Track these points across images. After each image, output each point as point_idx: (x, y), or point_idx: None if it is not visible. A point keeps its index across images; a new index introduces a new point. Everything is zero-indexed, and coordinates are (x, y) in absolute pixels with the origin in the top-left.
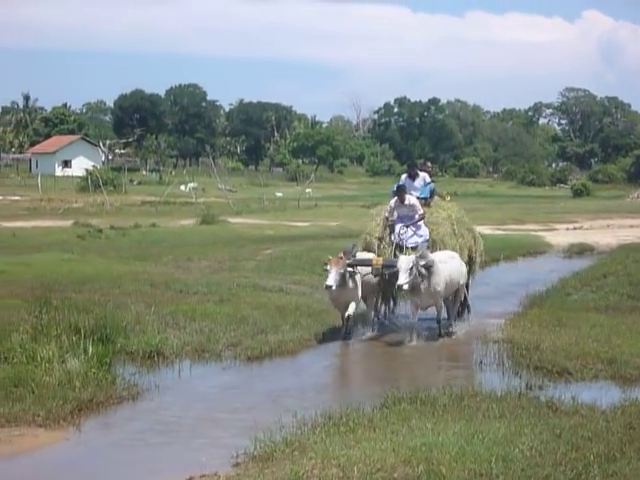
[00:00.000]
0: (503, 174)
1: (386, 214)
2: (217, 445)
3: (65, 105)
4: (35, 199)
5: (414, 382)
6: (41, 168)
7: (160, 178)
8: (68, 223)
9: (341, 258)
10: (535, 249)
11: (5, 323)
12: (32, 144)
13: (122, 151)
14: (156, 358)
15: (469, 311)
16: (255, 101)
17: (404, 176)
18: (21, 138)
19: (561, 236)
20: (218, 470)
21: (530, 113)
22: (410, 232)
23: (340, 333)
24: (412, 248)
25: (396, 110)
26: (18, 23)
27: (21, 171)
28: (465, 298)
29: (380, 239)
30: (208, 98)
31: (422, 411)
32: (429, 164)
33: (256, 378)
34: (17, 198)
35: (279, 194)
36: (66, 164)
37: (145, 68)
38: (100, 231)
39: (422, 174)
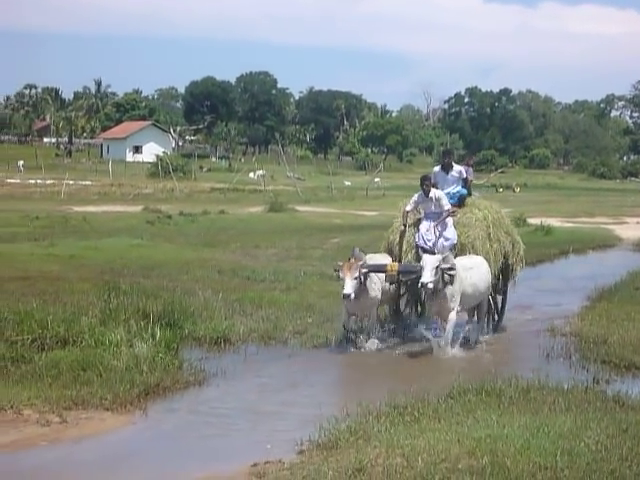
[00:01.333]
0: (574, 166)
1: (407, 207)
2: (281, 433)
3: (137, 91)
4: (106, 184)
5: (481, 374)
6: (112, 153)
7: (229, 165)
8: (138, 209)
9: (353, 263)
10: (605, 242)
11: (74, 307)
12: (103, 129)
13: (192, 138)
14: (223, 344)
15: (499, 321)
16: (325, 89)
17: (437, 167)
18: (93, 123)
19: (631, 230)
20: (282, 457)
21: (602, 105)
22: (435, 233)
23: (355, 342)
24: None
25: (467, 100)
26: (92, 10)
27: (92, 156)
28: (502, 307)
29: (401, 237)
30: (278, 86)
31: (487, 403)
32: (474, 158)
33: (322, 366)
34: (88, 183)
35: (347, 183)
36: (137, 150)
37: (217, 55)
38: (169, 217)
39: (458, 167)
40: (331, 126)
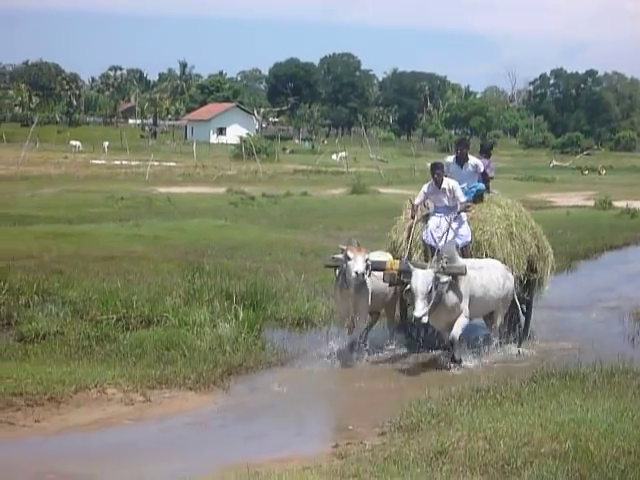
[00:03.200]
0: None
1: (416, 200)
2: (362, 414)
3: (221, 73)
4: (190, 166)
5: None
6: (196, 135)
7: (312, 147)
8: (221, 190)
9: (362, 247)
10: None
11: (159, 287)
12: (188, 111)
13: (275, 119)
14: (305, 325)
15: (524, 335)
16: (409, 71)
17: (451, 158)
18: (177, 105)
19: None
20: (364, 439)
21: None
22: (445, 228)
23: (347, 350)
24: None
25: (552, 82)
26: None
27: (177, 138)
28: (527, 320)
29: (409, 234)
30: (362, 67)
31: (571, 387)
32: (490, 147)
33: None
34: (172, 164)
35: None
36: (221, 131)
37: (301, 37)
38: (252, 199)
39: (475, 160)
40: (414, 108)
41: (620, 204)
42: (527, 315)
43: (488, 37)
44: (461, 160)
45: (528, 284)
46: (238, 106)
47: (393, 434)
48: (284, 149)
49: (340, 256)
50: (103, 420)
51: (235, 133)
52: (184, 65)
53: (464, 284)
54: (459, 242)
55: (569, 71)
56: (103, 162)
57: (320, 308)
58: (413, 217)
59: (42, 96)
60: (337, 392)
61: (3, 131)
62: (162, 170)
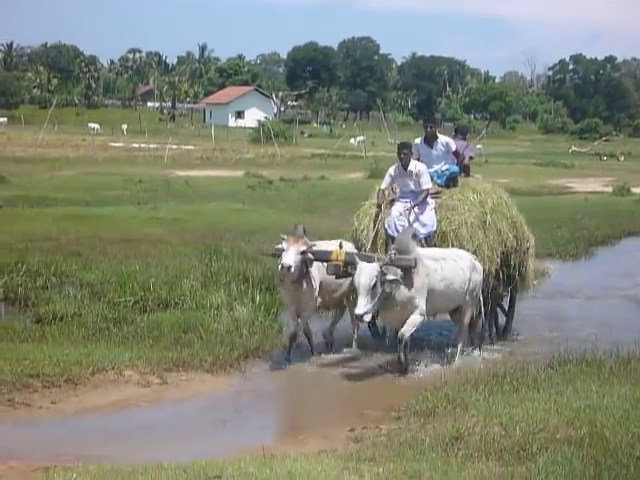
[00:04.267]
0: None
1: (382, 185)
2: (379, 399)
3: (240, 56)
4: (208, 149)
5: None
6: (214, 118)
7: (330, 131)
8: (239, 173)
9: (301, 238)
10: None
11: (176, 270)
12: (206, 94)
13: (294, 103)
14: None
15: (505, 333)
16: (428, 55)
17: (418, 139)
18: (196, 88)
19: None
20: (380, 423)
21: None
22: (410, 217)
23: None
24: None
25: (571, 67)
26: None
27: (195, 121)
28: (508, 318)
29: (375, 222)
30: (381, 52)
31: (587, 373)
32: (468, 127)
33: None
34: (191, 147)
35: None
36: (239, 115)
37: (319, 21)
38: (270, 182)
39: (445, 138)
40: (433, 92)
41: (639, 190)
42: (509, 314)
43: (507, 21)
44: (430, 140)
45: (509, 280)
46: (256, 89)
47: (409, 419)
48: (302, 133)
49: (281, 246)
50: (120, 402)
51: (253, 117)
52: (203, 48)
53: (421, 278)
54: (423, 232)
55: (588, 57)
56: (121, 145)
57: None
58: (379, 205)
59: (61, 78)
60: (353, 374)
61: (22, 113)
62: (180, 153)
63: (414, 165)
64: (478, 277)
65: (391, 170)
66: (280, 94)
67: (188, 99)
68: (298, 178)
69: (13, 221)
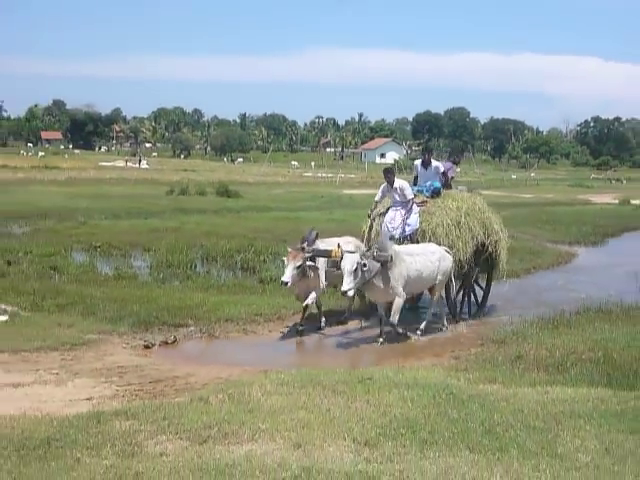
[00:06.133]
0: None
1: (376, 198)
2: (469, 332)
3: (383, 119)
4: (363, 176)
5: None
6: (367, 158)
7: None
8: None
9: (301, 250)
10: None
11: None
12: (362, 143)
13: (416, 148)
14: None
15: (480, 309)
16: (500, 117)
17: (418, 162)
18: (356, 139)
19: None
20: (470, 347)
21: None
22: (399, 220)
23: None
24: (400, 238)
25: (592, 124)
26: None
27: (355, 160)
28: (484, 297)
29: (370, 226)
30: (471, 115)
31: (602, 318)
32: (457, 156)
33: (523, 290)
34: (352, 176)
35: (514, 176)
36: (382, 155)
37: (433, 96)
38: None
39: (436, 163)
40: (504, 141)
41: (635, 202)
42: (485, 291)
43: (552, 95)
44: (426, 163)
45: (485, 265)
46: (393, 140)
47: (489, 345)
48: None
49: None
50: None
51: (391, 157)
52: (360, 115)
53: (399, 269)
54: (407, 229)
55: (603, 117)
56: (310, 174)
57: None
58: (370, 212)
59: (274, 134)
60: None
61: (251, 155)
62: (346, 179)
63: (398, 183)
64: (447, 264)
65: (382, 187)
66: (408, 143)
67: (351, 146)
68: None
69: (246, 220)
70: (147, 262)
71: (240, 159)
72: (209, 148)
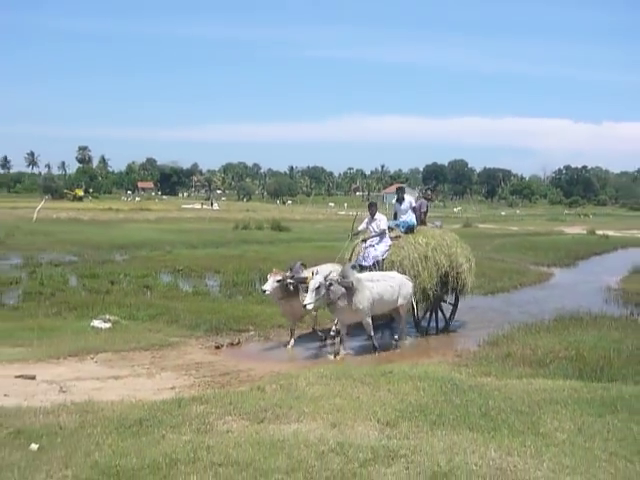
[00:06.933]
0: (620, 204)
1: (360, 227)
2: (470, 339)
3: (400, 169)
4: (384, 213)
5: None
6: (387, 199)
7: (444, 205)
8: None
9: (279, 271)
10: (639, 243)
11: None
12: (384, 187)
13: (429, 192)
14: None
15: (447, 323)
16: (492, 167)
17: (394, 200)
18: (379, 185)
19: None
20: (470, 348)
21: (636, 173)
22: (372, 248)
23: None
24: (367, 266)
25: (564, 172)
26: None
27: (379, 200)
28: (452, 313)
29: (352, 252)
30: (469, 166)
31: (574, 324)
32: (429, 193)
33: (511, 302)
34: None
35: (503, 213)
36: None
37: (436, 152)
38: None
39: (408, 198)
40: (495, 185)
41: (599, 232)
42: (453, 309)
43: (535, 150)
44: (400, 200)
45: (448, 289)
46: (408, 185)
47: (485, 346)
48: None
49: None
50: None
51: (408, 199)
52: (382, 166)
53: (362, 293)
54: (374, 255)
55: (573, 166)
56: (344, 213)
57: None
58: (350, 235)
59: (315, 182)
60: (468, 325)
61: (298, 199)
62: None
63: (378, 216)
64: (408, 290)
65: (366, 219)
66: (419, 187)
67: (375, 190)
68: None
69: (294, 249)
70: (217, 281)
71: (289, 201)
72: (265, 193)
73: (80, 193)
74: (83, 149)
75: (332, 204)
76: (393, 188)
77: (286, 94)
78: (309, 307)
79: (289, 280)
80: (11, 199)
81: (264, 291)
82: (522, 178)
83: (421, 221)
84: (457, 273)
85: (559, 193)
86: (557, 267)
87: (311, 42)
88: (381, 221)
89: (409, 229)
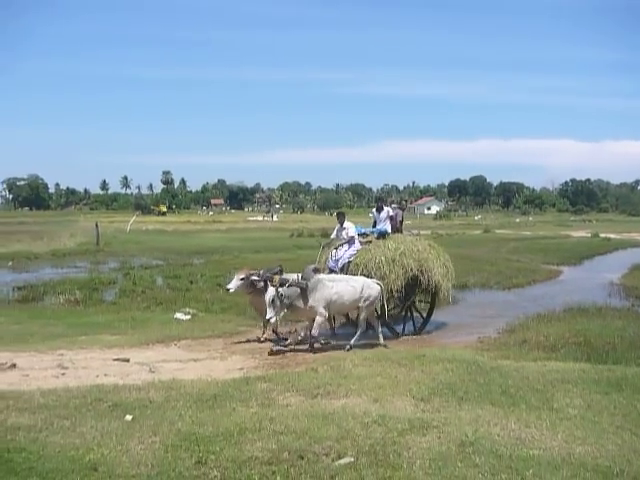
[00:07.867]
0: (620, 211)
1: (332, 235)
2: (490, 326)
3: (429, 185)
4: (415, 222)
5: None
6: (418, 210)
7: (466, 214)
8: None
9: (246, 270)
10: (638, 244)
11: None
12: (415, 200)
13: (451, 203)
14: None
15: (422, 325)
16: (507, 181)
17: (374, 209)
18: (411, 198)
19: None
20: (491, 335)
21: (634, 183)
22: (341, 252)
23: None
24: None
25: (570, 184)
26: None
27: (410, 212)
28: (428, 316)
29: (323, 256)
30: (487, 181)
31: (581, 314)
32: (404, 203)
33: (525, 296)
34: (408, 222)
35: (517, 220)
36: (428, 208)
37: (465, 168)
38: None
39: (386, 208)
40: (510, 197)
41: (602, 235)
42: (429, 312)
43: (545, 166)
44: (379, 210)
45: (430, 295)
46: (435, 198)
47: (504, 333)
48: (457, 216)
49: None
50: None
51: (435, 209)
52: (413, 182)
53: (320, 292)
54: (345, 257)
55: (578, 179)
56: None
57: None
58: (323, 245)
59: (357, 197)
60: (483, 314)
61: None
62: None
63: (346, 224)
64: (372, 292)
65: (336, 227)
66: (445, 199)
67: (411, 202)
68: (452, 233)
69: None
70: None
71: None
72: (316, 207)
73: (164, 209)
74: (166, 173)
75: (371, 214)
76: (423, 200)
77: (333, 124)
78: (272, 320)
79: (254, 278)
80: (109, 215)
81: (227, 289)
82: (533, 190)
83: (397, 229)
84: (427, 278)
85: (566, 202)
86: (565, 266)
87: (352, 81)
88: (349, 229)
89: (381, 235)
